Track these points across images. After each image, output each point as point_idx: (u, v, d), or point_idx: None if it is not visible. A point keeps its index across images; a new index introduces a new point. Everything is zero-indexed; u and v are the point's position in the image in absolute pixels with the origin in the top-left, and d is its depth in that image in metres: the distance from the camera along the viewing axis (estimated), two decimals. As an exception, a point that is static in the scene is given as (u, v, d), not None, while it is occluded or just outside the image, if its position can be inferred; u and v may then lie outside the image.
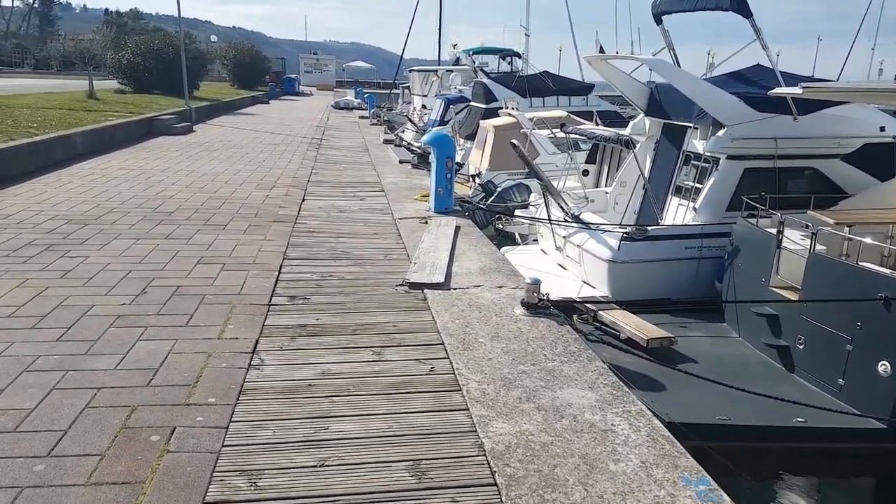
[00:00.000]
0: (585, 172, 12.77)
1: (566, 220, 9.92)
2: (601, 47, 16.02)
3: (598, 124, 17.46)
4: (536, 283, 4.52)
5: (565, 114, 17.22)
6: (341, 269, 5.53)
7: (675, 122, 10.40)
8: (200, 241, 6.27)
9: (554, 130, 12.37)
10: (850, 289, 5.92)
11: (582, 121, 16.44)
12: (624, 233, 9.00)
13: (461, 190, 15.77)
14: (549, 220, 9.83)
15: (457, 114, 21.64)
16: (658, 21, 11.07)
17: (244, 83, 40.70)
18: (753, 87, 9.85)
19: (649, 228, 9.11)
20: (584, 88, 22.83)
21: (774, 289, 7.03)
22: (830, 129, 9.43)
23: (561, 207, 10.09)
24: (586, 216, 9.94)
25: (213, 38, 56.67)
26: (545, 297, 4.52)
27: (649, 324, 7.17)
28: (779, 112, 9.30)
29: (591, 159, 13.02)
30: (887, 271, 6.00)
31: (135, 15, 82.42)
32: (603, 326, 7.36)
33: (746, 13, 9.37)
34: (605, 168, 12.85)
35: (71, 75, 32.06)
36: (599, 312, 7.52)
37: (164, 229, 6.68)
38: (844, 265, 6.29)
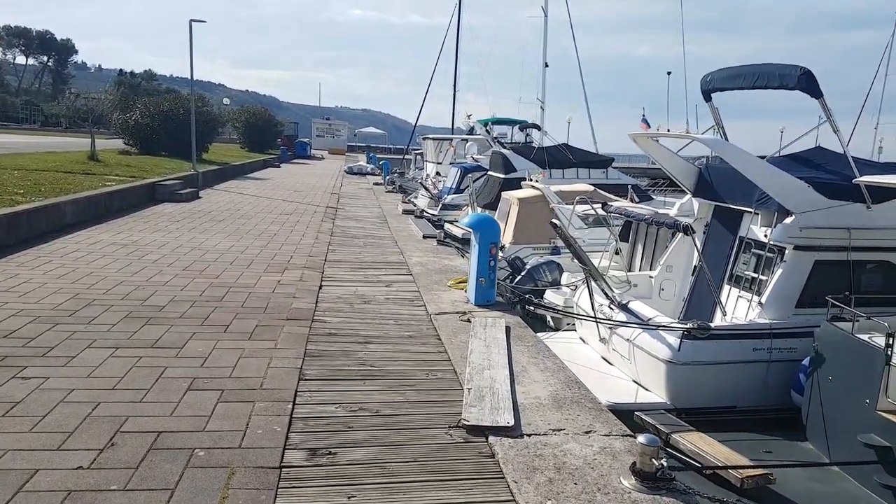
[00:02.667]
0: (617, 251, 11.73)
1: (612, 310, 8.84)
2: (646, 120, 15.31)
3: (634, 201, 16.66)
4: (653, 443, 3.33)
5: (591, 188, 16.44)
6: (375, 398, 4.33)
7: (730, 206, 9.43)
8: (195, 351, 5.10)
9: (596, 207, 11.40)
10: None
11: (611, 196, 15.62)
12: (685, 329, 7.89)
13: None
14: (595, 317, 8.76)
15: (474, 181, 21.05)
16: (707, 98, 10.27)
17: (255, 146, 40.43)
18: (818, 171, 8.92)
19: (713, 326, 8.01)
20: (603, 161, 22.25)
21: (883, 413, 5.84)
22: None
23: (606, 295, 9.02)
24: (636, 306, 8.84)
25: (226, 100, 57.10)
26: (662, 462, 3.31)
27: (738, 455, 5.95)
28: (851, 200, 8.34)
29: (622, 237, 11.98)
30: None
31: (149, 76, 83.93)
32: (678, 454, 6.12)
33: (817, 93, 8.52)
34: (640, 247, 11.81)
35: (78, 133, 31.71)
36: (674, 436, 6.30)
37: (152, 332, 5.51)
38: None
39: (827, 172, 8.80)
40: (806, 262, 8.27)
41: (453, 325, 6.23)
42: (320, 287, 7.64)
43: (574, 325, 10.29)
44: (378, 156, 43.45)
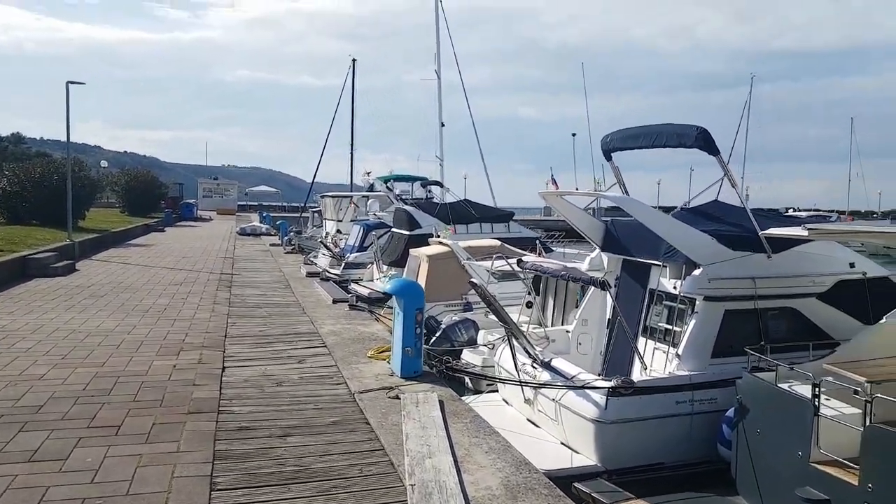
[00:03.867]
0: (528, 304, 11.67)
1: (535, 369, 8.67)
2: (554, 179, 15.68)
3: (541, 254, 16.85)
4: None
5: (498, 242, 16.55)
6: (304, 511, 3.75)
7: (639, 260, 9.63)
8: (82, 462, 4.28)
9: (511, 263, 11.35)
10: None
11: (517, 249, 15.76)
12: (609, 386, 7.80)
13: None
14: (520, 380, 8.54)
15: (378, 238, 20.74)
16: (608, 157, 10.59)
17: (137, 210, 38.11)
18: (720, 223, 9.31)
19: (636, 381, 7.98)
20: (505, 216, 22.68)
21: (817, 465, 5.88)
22: (804, 266, 8.92)
23: (528, 353, 8.84)
24: (559, 363, 8.70)
25: (104, 163, 53.88)
26: None
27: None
28: (753, 250, 8.72)
29: (532, 290, 11.89)
30: None
31: (16, 139, 77.98)
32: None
33: (713, 151, 8.97)
34: (551, 301, 11.80)
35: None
36: (617, 507, 6.05)
37: (28, 441, 4.62)
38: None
39: (728, 225, 9.19)
40: (716, 312, 8.49)
41: (381, 404, 5.73)
42: (223, 369, 6.89)
43: (496, 385, 10.01)
44: (272, 215, 42.17)
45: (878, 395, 5.65)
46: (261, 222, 35.77)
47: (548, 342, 9.86)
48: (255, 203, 62.79)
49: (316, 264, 20.00)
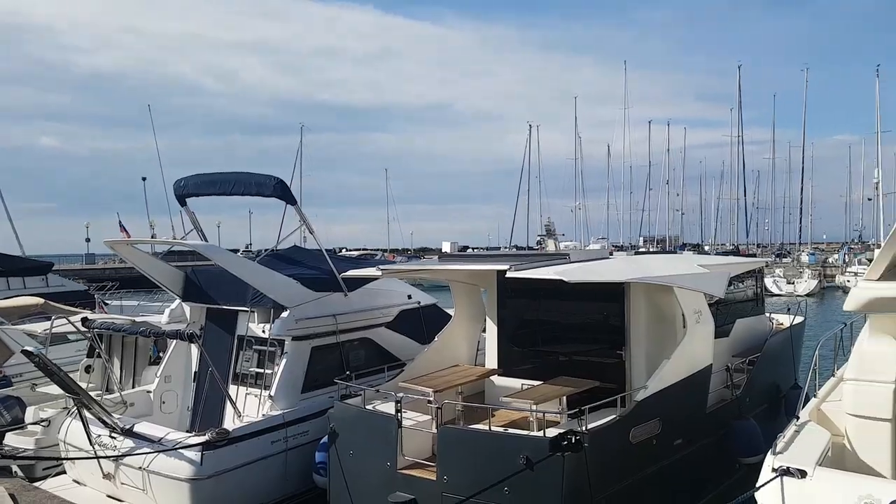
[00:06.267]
0: (89, 369, 10.41)
1: (115, 439, 7.79)
2: (124, 227, 14.05)
3: (102, 309, 14.91)
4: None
5: (40, 300, 14.23)
6: None
7: (225, 307, 9.59)
8: None
9: (74, 322, 9.86)
10: (490, 455, 6.13)
11: (64, 307, 13.81)
12: (203, 441, 7.53)
13: None
14: (97, 456, 7.55)
15: None
16: (182, 203, 10.33)
17: None
18: (301, 267, 10.00)
19: (230, 429, 7.89)
20: (41, 267, 19.69)
21: (403, 471, 6.78)
22: (375, 301, 10.29)
23: (104, 422, 7.93)
24: (142, 428, 8.04)
25: None
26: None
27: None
28: (333, 290, 9.64)
29: (91, 352, 10.58)
30: (524, 433, 6.48)
31: None
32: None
33: (291, 200, 9.64)
34: (117, 361, 10.74)
35: None
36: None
37: None
38: (481, 432, 6.52)
39: (308, 268, 9.94)
40: (304, 350, 9.08)
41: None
42: None
43: (63, 466, 8.53)
44: None
45: (447, 401, 6.92)
46: None
47: (126, 407, 8.96)
48: None
49: None
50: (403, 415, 6.90)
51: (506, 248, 51.73)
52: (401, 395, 6.97)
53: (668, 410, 7.09)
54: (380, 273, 8.42)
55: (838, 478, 4.57)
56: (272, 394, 8.67)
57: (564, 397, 6.93)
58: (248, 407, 8.80)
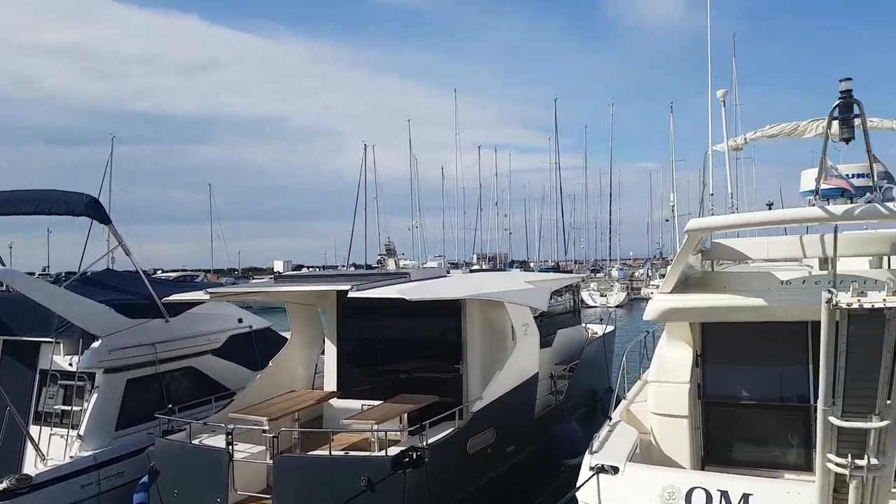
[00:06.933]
0: None
1: None
2: None
3: None
4: None
5: None
6: None
7: (25, 339, 8.50)
8: None
9: None
10: (330, 481, 6.00)
11: None
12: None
13: None
14: None
15: None
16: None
17: None
18: (116, 292, 9.14)
19: (33, 475, 7.01)
20: None
21: (236, 508, 6.41)
22: (200, 326, 9.68)
23: None
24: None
25: None
26: None
27: None
28: (152, 316, 8.94)
29: None
30: (365, 454, 6.39)
31: None
32: None
33: (105, 220, 8.84)
34: None
35: None
36: None
37: None
38: (320, 458, 6.34)
39: (124, 293, 9.11)
40: (118, 383, 8.30)
41: None
42: None
43: None
44: None
45: (284, 429, 6.66)
46: None
47: None
48: None
49: None
50: (235, 447, 6.54)
51: (343, 266, 51.15)
52: (231, 426, 6.60)
53: (502, 419, 7.44)
54: (208, 297, 7.95)
55: (645, 472, 5.06)
56: (81, 433, 7.82)
57: (405, 414, 7.00)
58: (53, 449, 7.86)
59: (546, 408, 8.98)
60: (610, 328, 13.07)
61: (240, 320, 10.47)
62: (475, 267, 43.97)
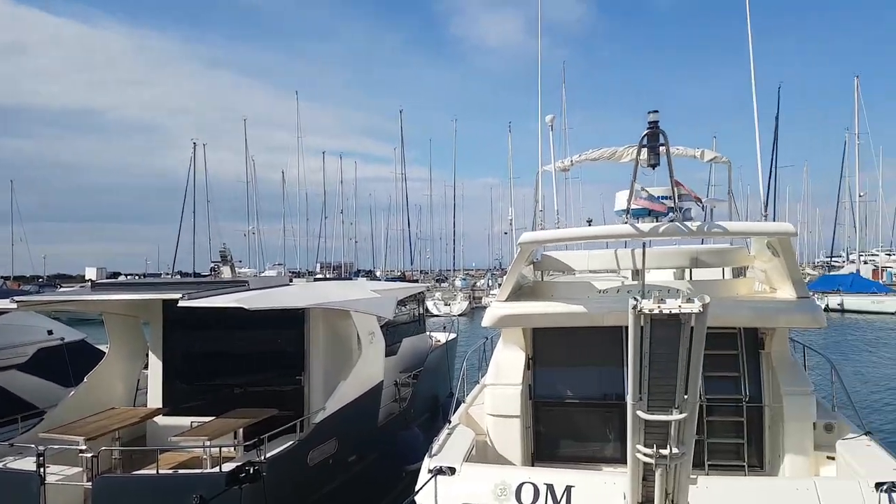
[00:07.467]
0: None
1: None
2: None
3: None
4: None
5: None
6: None
7: None
8: None
9: None
10: (158, 501, 5.59)
11: None
12: None
13: None
14: None
15: None
16: None
17: None
18: None
19: None
20: None
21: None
22: (5, 338, 8.57)
23: None
24: None
25: None
26: None
27: None
28: None
29: None
30: (197, 471, 6.00)
31: None
32: None
33: None
34: None
35: None
36: None
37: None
38: (146, 477, 5.88)
39: None
40: None
41: None
42: None
43: None
44: None
45: (104, 448, 6.08)
46: None
47: None
48: None
49: None
50: (47, 470, 5.89)
51: (168, 274, 47.65)
52: (42, 447, 5.94)
53: (344, 429, 7.39)
54: (14, 305, 7.07)
55: (479, 470, 5.32)
56: None
57: (241, 429, 6.71)
58: None
59: (390, 415, 9.06)
60: (452, 336, 13.48)
61: (49, 332, 9.42)
62: (319, 276, 43.21)
